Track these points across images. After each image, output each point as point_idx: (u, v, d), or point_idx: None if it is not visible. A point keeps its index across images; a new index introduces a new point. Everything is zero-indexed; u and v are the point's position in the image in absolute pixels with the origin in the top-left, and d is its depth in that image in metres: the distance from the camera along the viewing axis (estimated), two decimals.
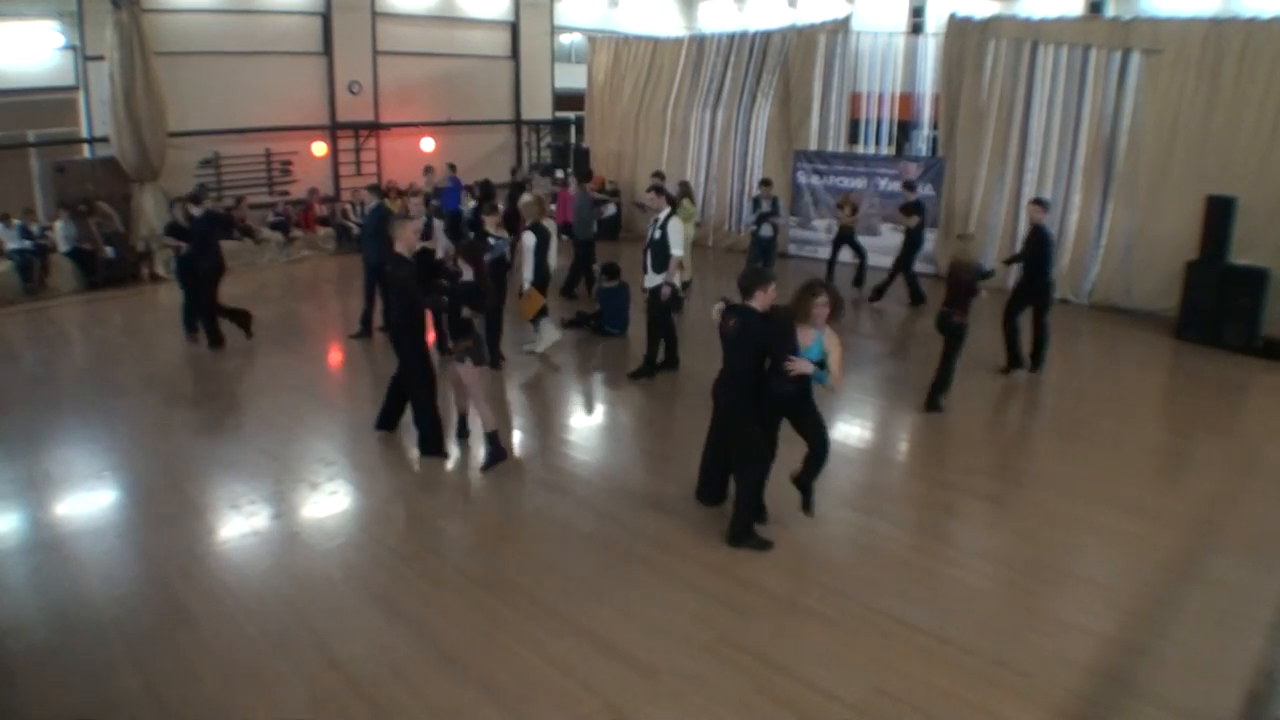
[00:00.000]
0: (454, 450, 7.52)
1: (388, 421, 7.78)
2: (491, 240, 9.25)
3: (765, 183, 12.75)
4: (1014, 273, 10.83)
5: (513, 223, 11.93)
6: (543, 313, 10.02)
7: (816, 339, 5.70)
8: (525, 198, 10.80)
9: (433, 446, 7.39)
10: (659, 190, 9.53)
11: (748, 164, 16.76)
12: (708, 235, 17.01)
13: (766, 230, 11.90)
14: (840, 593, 5.45)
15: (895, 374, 9.82)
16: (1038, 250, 9.39)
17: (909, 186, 13.36)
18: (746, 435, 5.82)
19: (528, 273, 9.58)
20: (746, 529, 5.89)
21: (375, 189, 12.31)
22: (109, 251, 13.60)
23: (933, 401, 8.50)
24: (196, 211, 10.27)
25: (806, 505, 6.12)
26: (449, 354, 8.50)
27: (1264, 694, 4.44)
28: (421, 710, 4.33)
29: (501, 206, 11.59)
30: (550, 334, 10.25)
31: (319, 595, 5.35)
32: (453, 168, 15.83)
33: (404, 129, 18.17)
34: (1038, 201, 9.74)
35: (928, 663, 4.71)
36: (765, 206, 11.84)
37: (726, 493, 6.23)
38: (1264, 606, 5.28)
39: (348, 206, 16.87)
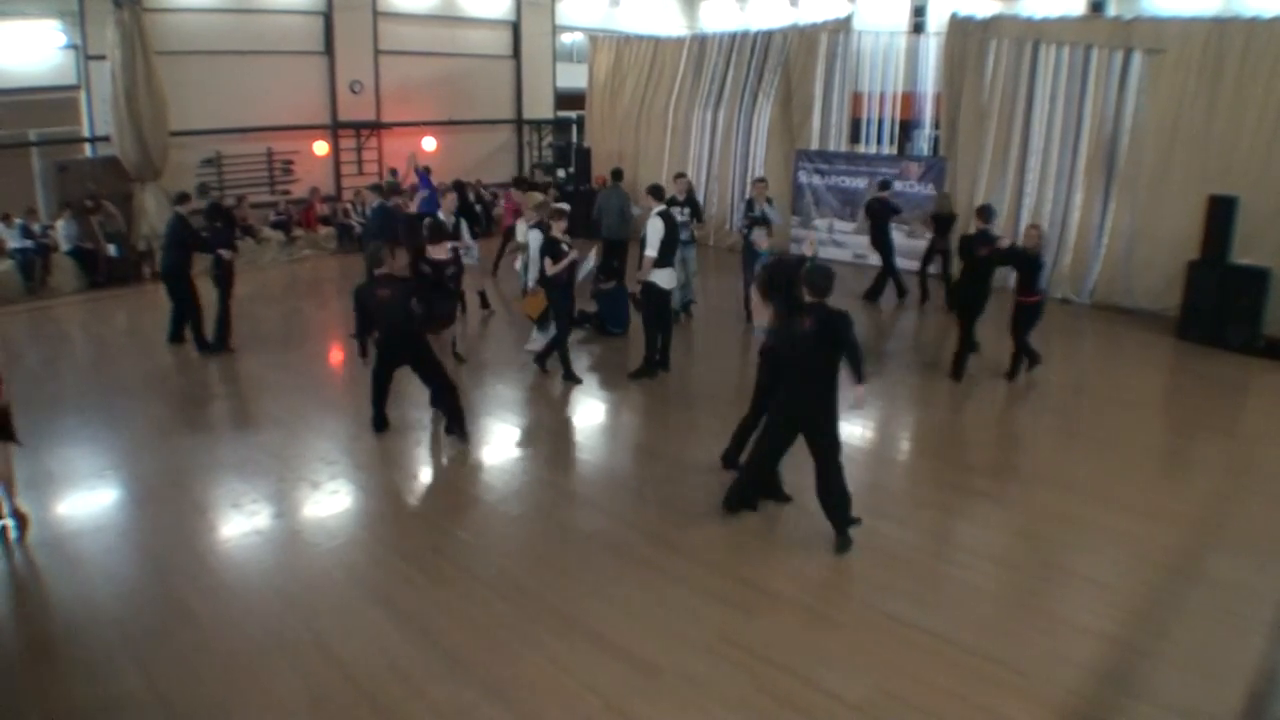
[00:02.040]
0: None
1: (384, 421, 7.90)
2: (565, 246, 9.02)
3: (760, 181, 12.61)
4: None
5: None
6: (546, 314, 9.99)
7: None
8: (537, 196, 10.77)
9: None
10: (653, 191, 9.59)
11: (749, 164, 16.76)
12: (709, 235, 17.00)
13: (759, 235, 11.72)
14: (842, 592, 5.47)
15: (896, 372, 9.79)
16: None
17: (883, 185, 13.25)
18: (835, 434, 5.82)
19: (533, 272, 9.53)
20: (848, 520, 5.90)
21: (377, 188, 12.30)
22: (111, 249, 13.59)
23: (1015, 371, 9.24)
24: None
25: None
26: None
27: (1264, 694, 4.44)
28: (422, 709, 4.34)
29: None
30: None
31: (320, 594, 5.36)
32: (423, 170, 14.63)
33: (405, 128, 18.16)
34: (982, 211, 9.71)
35: (929, 662, 4.71)
36: (758, 211, 11.63)
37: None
38: (1264, 606, 5.28)
39: (349, 206, 16.86)
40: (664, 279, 9.21)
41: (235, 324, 10.47)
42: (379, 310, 7.38)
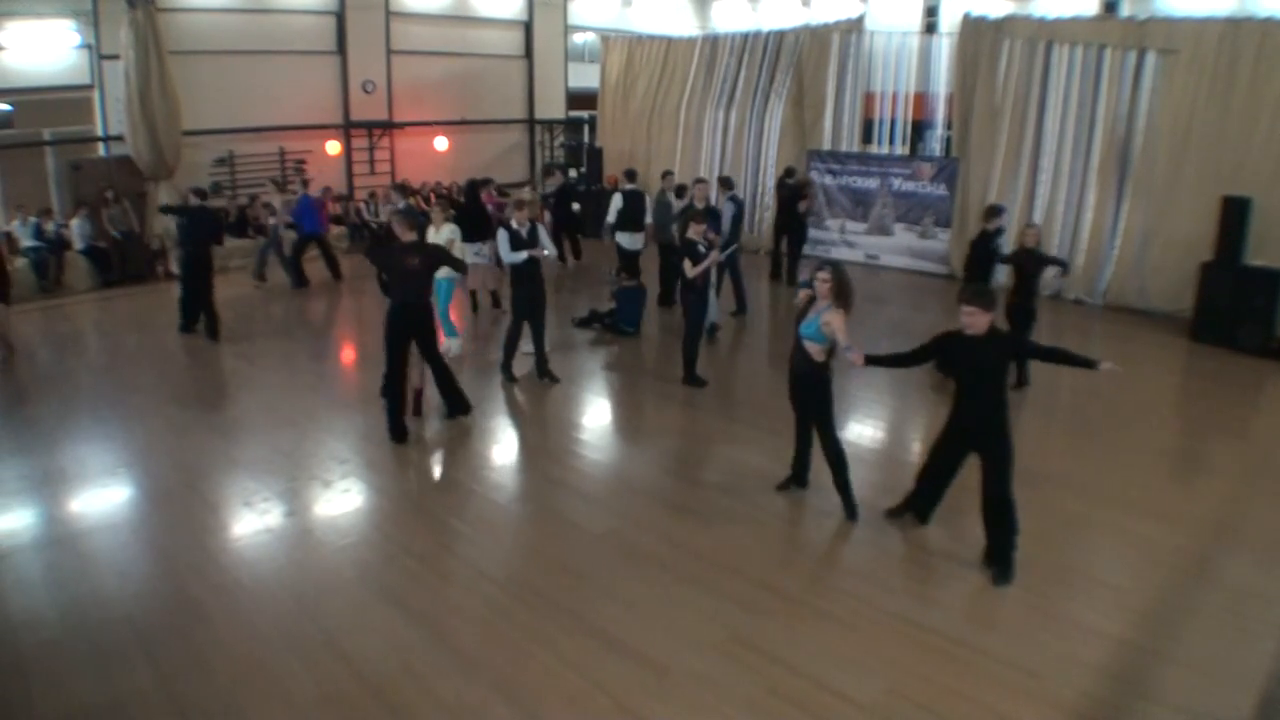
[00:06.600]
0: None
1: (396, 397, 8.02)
2: (702, 248, 8.77)
3: (723, 182, 12.52)
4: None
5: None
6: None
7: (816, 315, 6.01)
8: (525, 193, 10.69)
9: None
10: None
11: (761, 164, 16.75)
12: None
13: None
14: (852, 593, 5.45)
15: (903, 372, 9.74)
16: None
17: (788, 173, 14.33)
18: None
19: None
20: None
21: (400, 188, 12.41)
22: (117, 235, 13.67)
23: (1023, 377, 8.99)
24: (194, 202, 10.97)
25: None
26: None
27: (1276, 697, 4.42)
28: (432, 707, 4.35)
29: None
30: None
31: (331, 592, 5.38)
32: (305, 184, 14.58)
33: (418, 128, 18.22)
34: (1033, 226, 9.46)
35: (940, 663, 4.70)
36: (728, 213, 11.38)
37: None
38: (1277, 609, 5.25)
39: (362, 205, 16.90)
40: (625, 240, 11.60)
41: (246, 323, 10.53)
42: (401, 277, 7.50)
